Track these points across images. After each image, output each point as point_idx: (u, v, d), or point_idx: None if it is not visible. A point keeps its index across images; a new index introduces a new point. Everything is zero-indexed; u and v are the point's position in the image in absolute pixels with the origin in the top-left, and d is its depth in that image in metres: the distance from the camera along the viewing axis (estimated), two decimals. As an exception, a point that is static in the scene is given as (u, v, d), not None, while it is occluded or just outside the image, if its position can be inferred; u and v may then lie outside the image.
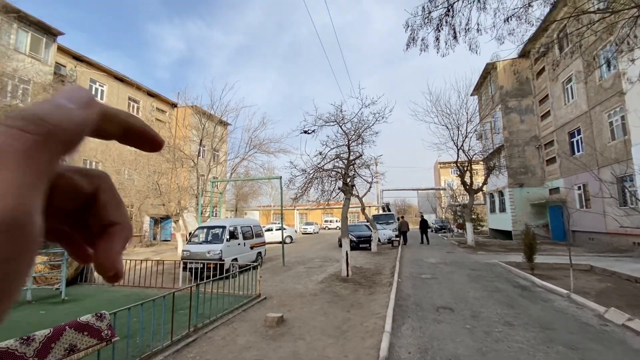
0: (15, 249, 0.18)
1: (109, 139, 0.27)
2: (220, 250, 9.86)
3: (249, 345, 4.50)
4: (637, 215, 9.63)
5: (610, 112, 13.99)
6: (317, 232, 37.36)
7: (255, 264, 7.83)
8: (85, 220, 0.27)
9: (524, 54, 19.74)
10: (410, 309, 5.99)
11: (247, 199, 32.14)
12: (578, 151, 16.50)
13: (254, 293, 6.93)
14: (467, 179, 18.11)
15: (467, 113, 17.46)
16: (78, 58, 20.81)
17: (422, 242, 19.80)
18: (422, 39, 6.30)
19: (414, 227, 28.20)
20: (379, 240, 17.80)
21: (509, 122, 20.82)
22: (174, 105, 27.82)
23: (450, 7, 5.73)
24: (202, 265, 8.78)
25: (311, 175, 10.75)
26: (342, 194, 10.76)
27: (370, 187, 15.11)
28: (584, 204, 15.87)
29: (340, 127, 10.71)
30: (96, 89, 22.16)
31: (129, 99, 24.51)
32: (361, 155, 11.32)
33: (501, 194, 21.99)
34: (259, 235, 13.12)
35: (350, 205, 10.57)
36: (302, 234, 35.22)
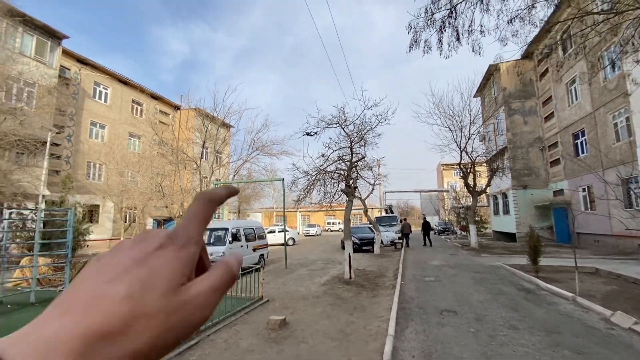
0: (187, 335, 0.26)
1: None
2: (223, 253, 9.86)
3: (251, 349, 4.48)
4: (643, 218, 9.53)
5: (614, 114, 13.89)
6: (320, 234, 37.32)
7: (257, 266, 7.82)
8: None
9: (527, 55, 19.67)
10: (413, 312, 5.94)
11: (250, 201, 32.19)
12: (582, 153, 16.39)
13: (256, 295, 6.91)
14: (470, 181, 18.02)
15: (470, 115, 17.41)
16: (82, 61, 20.99)
17: (424, 244, 19.70)
18: (425, 41, 6.30)
19: (416, 229, 28.06)
20: (382, 243, 17.73)
21: (512, 124, 20.73)
22: (177, 108, 27.97)
23: (453, 9, 5.72)
24: None
25: (314, 177, 10.74)
26: (345, 196, 10.74)
27: (372, 189, 15.06)
28: (588, 206, 15.74)
29: (343, 129, 10.71)
30: (100, 92, 22.34)
31: (133, 101, 24.66)
32: (364, 157, 11.30)
33: (505, 196, 21.86)
34: (262, 237, 13.12)
35: (352, 207, 10.54)
36: (305, 236, 35.19)
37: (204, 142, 18.67)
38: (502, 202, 22.50)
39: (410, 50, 6.47)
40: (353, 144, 10.56)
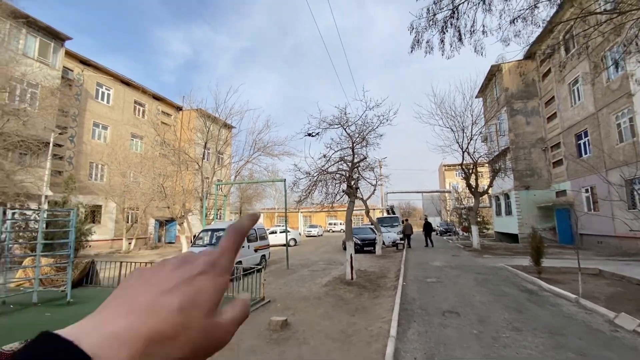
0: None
1: None
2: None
3: (252, 350, 4.47)
4: (647, 219, 9.45)
5: (618, 114, 13.82)
6: (321, 235, 37.28)
7: (259, 266, 7.81)
8: None
9: (529, 55, 19.63)
10: (415, 313, 5.92)
11: (251, 201, 32.22)
12: (585, 153, 16.31)
13: (258, 296, 6.90)
14: (472, 182, 17.96)
15: (472, 115, 17.36)
16: (85, 62, 21.10)
17: (426, 245, 19.65)
18: (427, 41, 6.28)
19: (417, 230, 28.01)
20: (384, 243, 17.69)
21: (514, 124, 20.66)
22: (179, 109, 28.05)
23: (455, 9, 5.70)
24: None
25: (315, 177, 10.73)
26: (346, 197, 10.72)
27: (374, 189, 15.02)
28: (591, 206, 15.65)
29: (345, 129, 10.69)
30: (103, 93, 22.44)
31: (135, 102, 24.75)
32: (365, 158, 11.28)
33: (507, 196, 21.78)
34: (263, 238, 13.11)
35: (354, 208, 10.52)
36: (306, 236, 35.18)
37: (205, 143, 18.71)
38: (505, 203, 22.42)
39: (412, 51, 6.45)
40: (355, 144, 10.54)
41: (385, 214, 29.95)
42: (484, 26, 5.89)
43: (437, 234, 32.50)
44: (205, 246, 11.02)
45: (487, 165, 20.76)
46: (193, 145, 20.14)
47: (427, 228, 20.49)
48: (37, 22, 16.10)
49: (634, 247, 12.93)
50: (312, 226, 38.82)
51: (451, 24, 5.92)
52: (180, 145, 19.91)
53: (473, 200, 19.00)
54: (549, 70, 19.20)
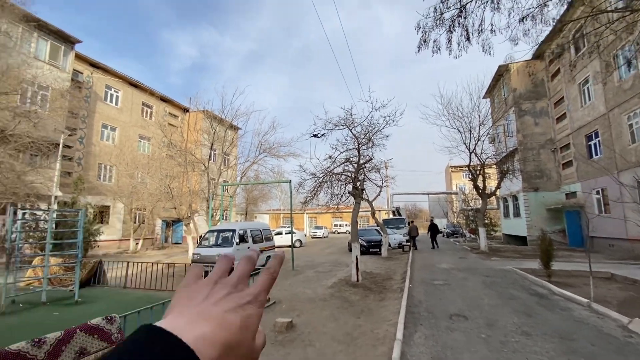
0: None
1: None
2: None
3: (258, 351, 4.44)
4: (661, 221, 9.21)
5: (630, 114, 13.52)
6: (327, 236, 37.21)
7: (264, 268, 7.79)
8: None
9: (538, 55, 19.36)
10: (422, 316, 5.84)
11: (257, 202, 32.31)
12: (596, 154, 15.99)
13: (263, 297, 6.87)
14: (479, 183, 17.75)
15: (479, 116, 17.16)
16: (94, 65, 21.42)
17: (432, 247, 19.47)
18: (434, 41, 6.21)
19: (423, 232, 27.75)
20: (390, 245, 17.57)
21: (522, 125, 20.37)
22: (186, 110, 28.31)
23: (462, 8, 5.63)
24: (212, 268, 8.79)
25: (321, 179, 10.70)
26: (352, 198, 10.67)
27: (380, 191, 14.95)
28: (602, 208, 15.33)
29: (350, 130, 10.66)
30: (111, 95, 22.75)
31: (143, 104, 25.05)
32: (371, 159, 11.22)
33: (515, 198, 21.48)
34: (269, 239, 13.12)
35: (360, 210, 10.46)
36: (312, 238, 35.13)
37: (212, 144, 18.80)
38: (513, 204, 22.10)
39: (419, 51, 6.39)
40: (360, 145, 10.50)
41: (391, 216, 29.77)
42: (492, 25, 5.80)
43: (443, 236, 32.18)
44: (211, 247, 11.05)
45: (494, 166, 20.50)
46: (199, 147, 20.27)
47: (433, 230, 20.28)
48: (48, 26, 16.40)
49: (647, 250, 12.62)
50: (317, 227, 38.76)
51: (459, 23, 5.85)
52: (187, 147, 20.07)
53: (480, 202, 18.77)
54: (558, 70, 18.90)
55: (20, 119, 11.29)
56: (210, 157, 19.05)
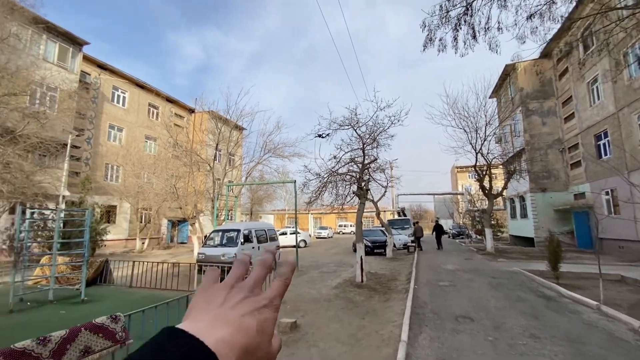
0: None
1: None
2: (235, 254, 9.90)
3: (261, 351, 4.43)
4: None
5: (640, 114, 13.27)
6: (331, 237, 37.15)
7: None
8: None
9: (546, 54, 19.10)
10: (427, 318, 5.78)
11: (262, 202, 32.40)
12: (605, 154, 15.72)
13: (267, 297, 6.86)
14: (486, 184, 17.57)
15: (485, 116, 16.99)
16: (102, 66, 21.67)
17: (438, 248, 19.32)
18: (440, 39, 6.14)
19: (429, 232, 27.53)
20: (394, 246, 17.47)
21: (530, 125, 20.12)
22: (191, 111, 28.49)
23: (469, 6, 5.56)
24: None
25: (325, 179, 10.67)
26: (357, 198, 10.62)
27: (385, 191, 14.87)
28: (612, 209, 15.06)
29: (355, 130, 10.61)
30: (118, 96, 23.00)
31: (149, 105, 25.27)
32: (376, 159, 11.15)
33: (522, 199, 21.21)
34: (273, 239, 13.14)
35: (364, 210, 10.40)
36: (316, 238, 35.12)
37: (217, 144, 18.88)
38: (520, 205, 21.83)
39: (424, 49, 6.33)
40: (365, 145, 10.45)
41: (396, 216, 29.63)
42: (499, 22, 5.73)
43: (449, 236, 31.93)
44: (216, 247, 11.09)
45: (501, 166, 20.27)
46: (205, 147, 20.38)
47: (438, 230, 20.11)
48: (57, 28, 16.63)
49: (658, 252, 12.37)
50: (322, 228, 38.73)
51: (465, 21, 5.78)
52: (193, 147, 20.19)
53: (487, 203, 18.57)
54: (566, 69, 18.63)
55: (29, 119, 11.45)
56: (215, 157, 19.14)
